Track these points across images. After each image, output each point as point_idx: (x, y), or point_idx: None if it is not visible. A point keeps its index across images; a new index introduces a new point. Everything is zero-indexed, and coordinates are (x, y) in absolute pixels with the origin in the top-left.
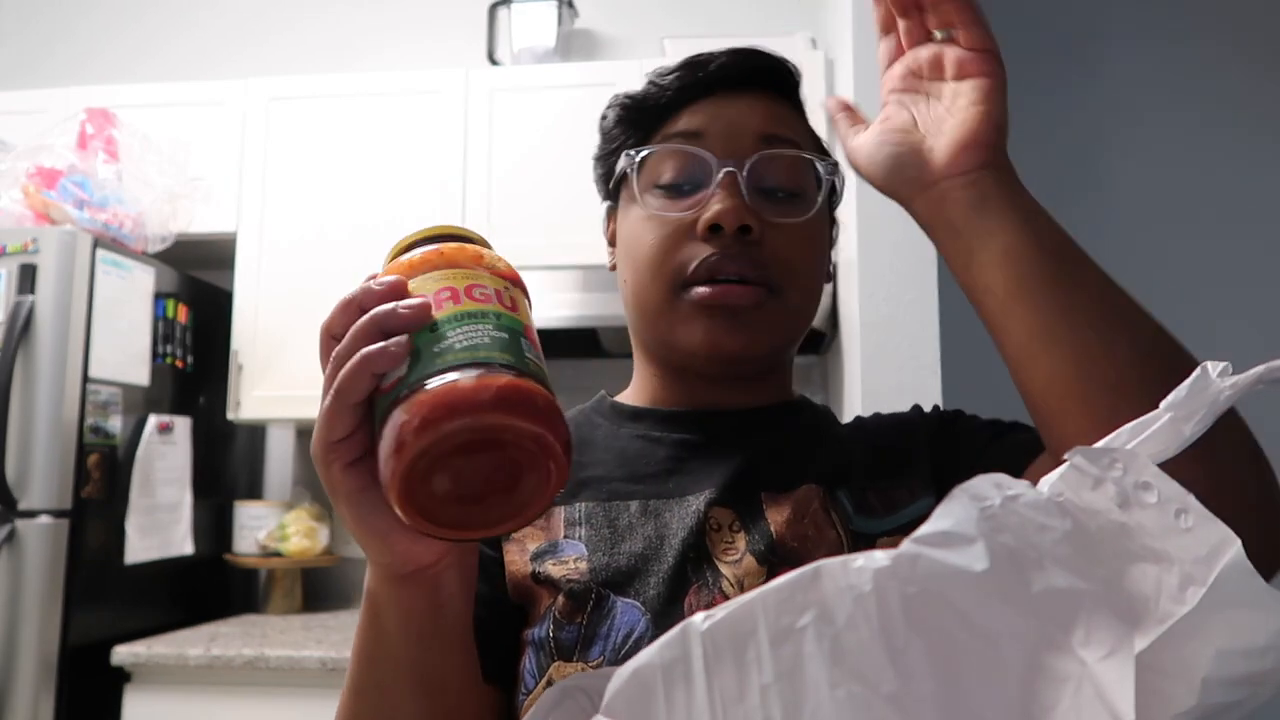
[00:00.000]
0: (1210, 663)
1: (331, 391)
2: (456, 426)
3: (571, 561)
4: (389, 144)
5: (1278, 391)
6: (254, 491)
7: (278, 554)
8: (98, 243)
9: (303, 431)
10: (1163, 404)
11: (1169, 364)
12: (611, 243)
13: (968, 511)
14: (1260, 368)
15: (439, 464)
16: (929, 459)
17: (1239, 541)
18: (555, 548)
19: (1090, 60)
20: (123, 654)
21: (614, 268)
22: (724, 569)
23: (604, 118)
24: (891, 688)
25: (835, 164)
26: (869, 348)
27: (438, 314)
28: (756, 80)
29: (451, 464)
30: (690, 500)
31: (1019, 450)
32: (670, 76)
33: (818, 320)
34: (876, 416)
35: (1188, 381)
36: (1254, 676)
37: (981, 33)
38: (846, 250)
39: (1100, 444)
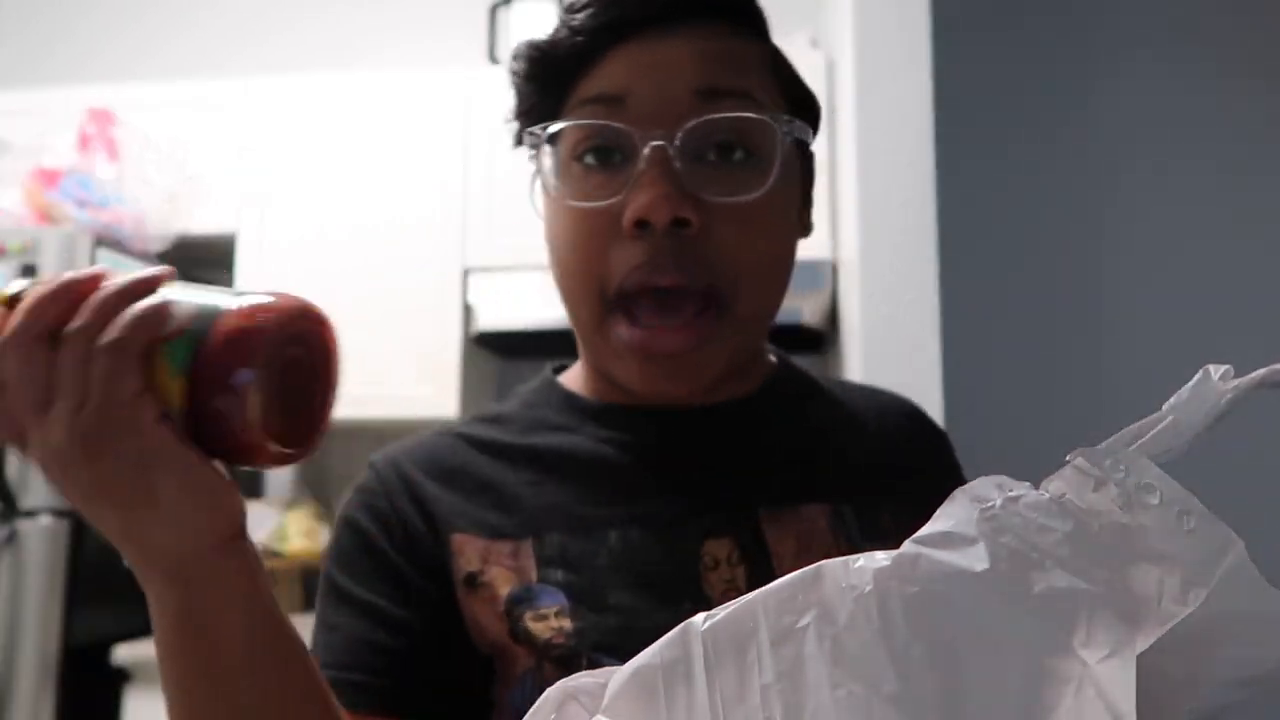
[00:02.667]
0: (1213, 664)
1: (108, 345)
2: (288, 319)
3: (553, 616)
4: (389, 144)
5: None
6: (254, 491)
7: (278, 554)
8: (98, 243)
9: None
10: (1165, 406)
11: None
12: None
13: (969, 512)
14: (1262, 371)
15: (271, 369)
16: (943, 495)
17: (1241, 543)
18: (530, 595)
19: (1091, 55)
20: (123, 654)
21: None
22: None
23: (513, 70)
24: (892, 688)
25: (793, 120)
26: (869, 348)
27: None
28: (689, 6)
29: (275, 371)
30: (678, 532)
31: None
32: (582, 15)
33: (818, 320)
34: (872, 400)
35: (1190, 384)
36: (1257, 678)
37: None
38: (846, 250)
39: (1103, 445)
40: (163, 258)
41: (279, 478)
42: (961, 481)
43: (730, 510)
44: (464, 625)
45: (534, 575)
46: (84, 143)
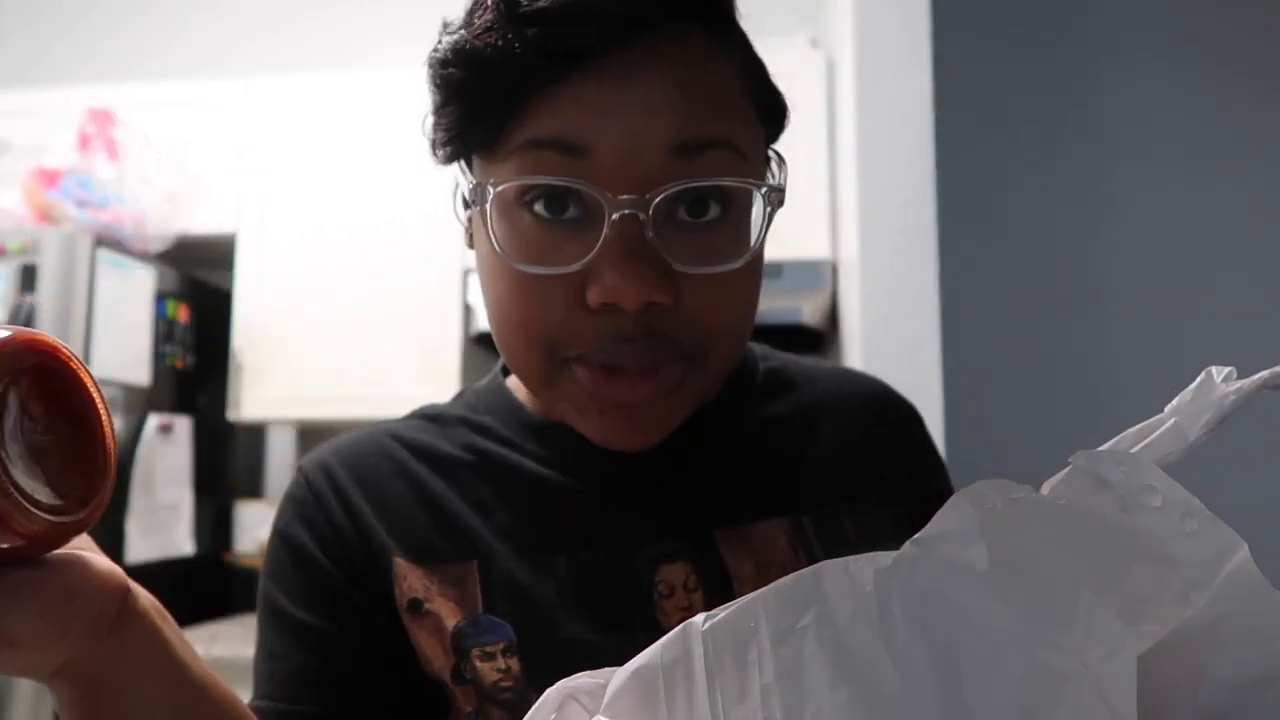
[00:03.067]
0: (1214, 665)
1: None
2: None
3: (500, 655)
4: (389, 144)
5: None
6: (254, 491)
7: None
8: (98, 243)
9: (303, 432)
10: (1167, 408)
11: None
12: (462, 210)
13: (969, 513)
14: (1265, 373)
15: (4, 431)
16: (912, 473)
17: (1245, 545)
18: (477, 628)
19: (1091, 55)
20: None
21: (471, 246)
22: None
23: (432, 72)
24: (893, 688)
25: (780, 190)
26: (869, 348)
27: None
28: (661, 18)
29: (12, 429)
30: (630, 559)
31: None
32: (531, 30)
33: (818, 320)
34: (838, 384)
35: (1193, 385)
36: (1259, 680)
37: None
38: (846, 250)
39: (1104, 447)
40: (162, 258)
41: (279, 478)
42: (932, 457)
43: (684, 533)
44: (411, 648)
45: (479, 606)
46: (84, 143)
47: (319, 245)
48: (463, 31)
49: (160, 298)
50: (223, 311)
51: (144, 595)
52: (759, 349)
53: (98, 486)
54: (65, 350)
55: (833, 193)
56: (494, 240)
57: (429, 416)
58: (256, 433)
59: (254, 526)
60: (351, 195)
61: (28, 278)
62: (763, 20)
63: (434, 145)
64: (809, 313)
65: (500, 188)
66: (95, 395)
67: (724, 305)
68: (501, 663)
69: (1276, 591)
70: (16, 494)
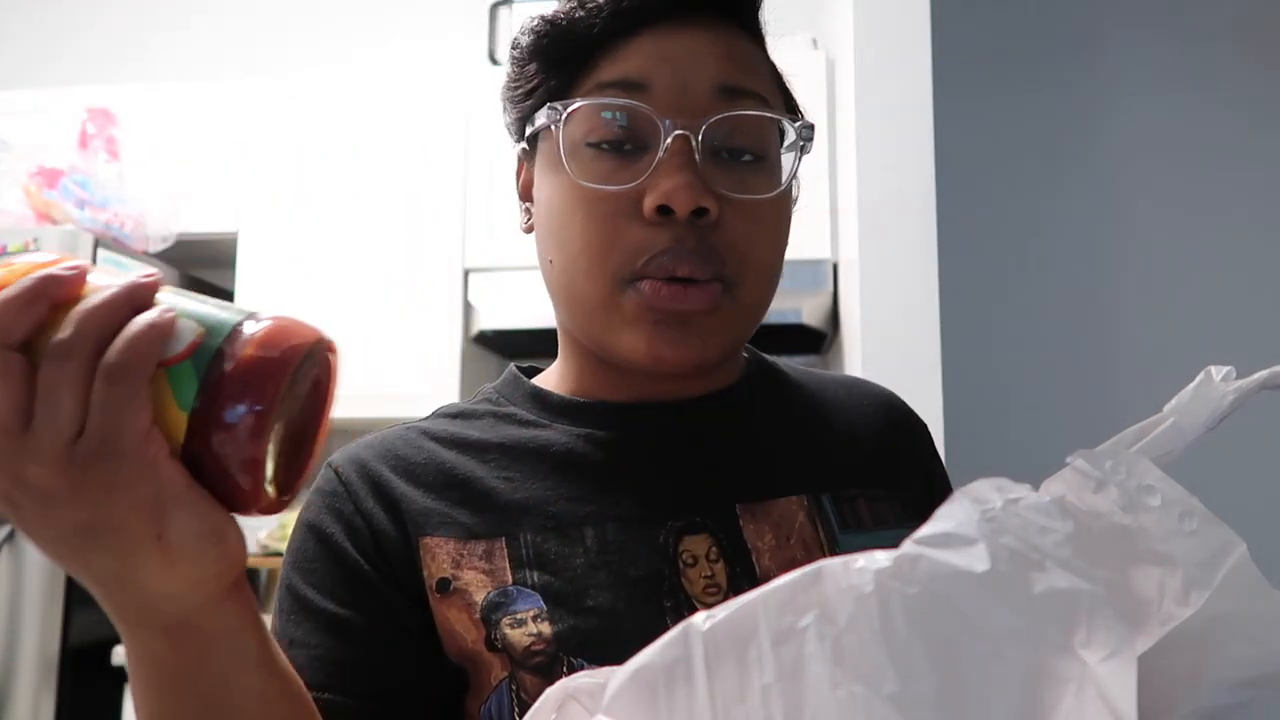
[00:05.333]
0: (1214, 665)
1: (112, 368)
2: (307, 350)
3: (530, 621)
4: (390, 144)
5: None
6: None
7: (279, 554)
8: (99, 243)
9: None
10: (1166, 407)
11: None
12: (525, 196)
13: (969, 513)
14: (1264, 372)
15: (282, 407)
16: (922, 481)
17: (1243, 544)
18: (507, 598)
19: (1088, 54)
20: (123, 654)
21: (529, 229)
22: None
23: (515, 45)
24: (893, 688)
25: (810, 126)
26: (869, 348)
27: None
28: (710, 4)
29: (284, 408)
30: (655, 530)
31: None
32: None
33: (818, 320)
34: (848, 390)
35: (1192, 385)
36: (1258, 679)
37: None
38: (846, 250)
39: (1103, 447)
40: (163, 258)
41: None
42: (940, 469)
43: (707, 506)
44: (435, 634)
45: (509, 578)
46: (84, 143)
47: (319, 245)
48: (546, 12)
49: None
50: None
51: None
52: (774, 359)
53: (302, 476)
54: (338, 355)
55: (833, 193)
56: (566, 166)
57: (453, 414)
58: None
59: (254, 527)
60: (352, 195)
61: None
62: (763, 20)
63: (512, 104)
64: (809, 313)
65: (573, 106)
66: (331, 398)
67: (757, 235)
68: (532, 628)
69: (1275, 590)
70: (268, 473)
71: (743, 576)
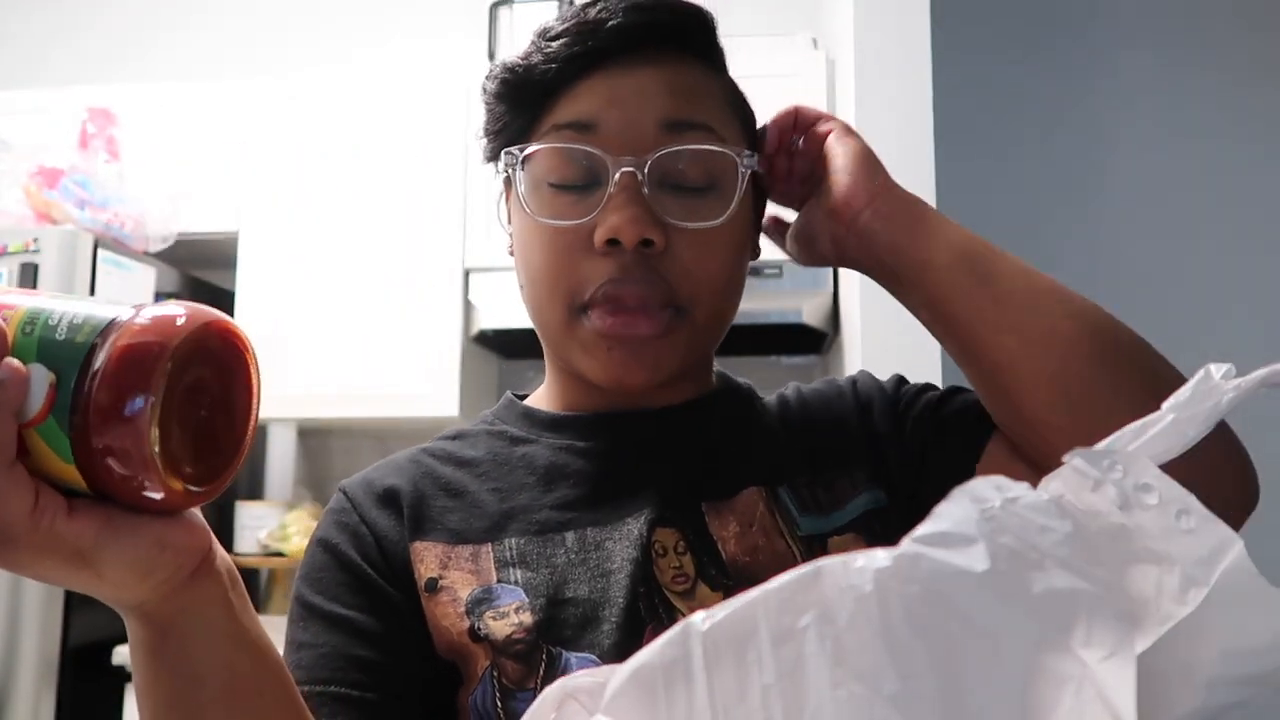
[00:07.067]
0: (1213, 663)
1: None
2: (180, 341)
3: (512, 613)
4: (390, 144)
5: None
6: (255, 491)
7: (279, 554)
8: (99, 242)
9: (304, 431)
10: (1165, 405)
11: (1095, 319)
12: (508, 221)
13: (968, 512)
14: (1264, 370)
15: (175, 402)
16: (865, 444)
17: (1240, 542)
18: (491, 594)
19: (1090, 59)
20: (123, 654)
21: (511, 252)
22: (678, 603)
23: (484, 90)
24: (893, 688)
25: (752, 154)
26: (869, 348)
27: (9, 326)
28: (658, 39)
29: (179, 401)
30: (629, 524)
31: (971, 416)
32: (557, 43)
33: (818, 320)
34: (800, 393)
35: (1191, 383)
36: (1257, 677)
37: (810, 117)
38: None
39: (1101, 445)
40: (163, 258)
41: (279, 478)
42: (882, 395)
43: (677, 504)
44: (428, 633)
45: (494, 577)
46: (84, 143)
47: (319, 245)
48: (510, 57)
49: (160, 297)
50: (223, 312)
51: (222, 556)
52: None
53: (229, 466)
54: (245, 341)
55: None
56: (524, 205)
57: (452, 435)
58: (257, 432)
59: (254, 527)
60: (352, 195)
61: (28, 277)
62: (763, 20)
63: (487, 141)
64: (809, 313)
65: (529, 150)
66: (255, 385)
67: (707, 260)
68: (514, 619)
69: (1273, 588)
70: (168, 464)
71: (710, 565)
